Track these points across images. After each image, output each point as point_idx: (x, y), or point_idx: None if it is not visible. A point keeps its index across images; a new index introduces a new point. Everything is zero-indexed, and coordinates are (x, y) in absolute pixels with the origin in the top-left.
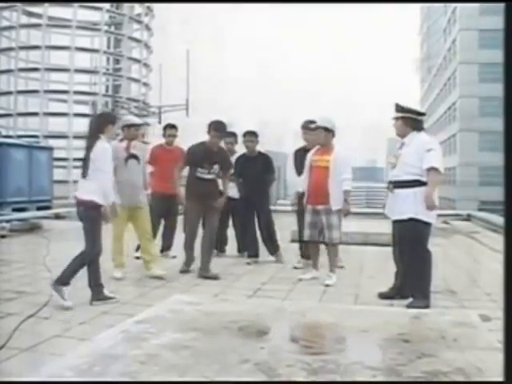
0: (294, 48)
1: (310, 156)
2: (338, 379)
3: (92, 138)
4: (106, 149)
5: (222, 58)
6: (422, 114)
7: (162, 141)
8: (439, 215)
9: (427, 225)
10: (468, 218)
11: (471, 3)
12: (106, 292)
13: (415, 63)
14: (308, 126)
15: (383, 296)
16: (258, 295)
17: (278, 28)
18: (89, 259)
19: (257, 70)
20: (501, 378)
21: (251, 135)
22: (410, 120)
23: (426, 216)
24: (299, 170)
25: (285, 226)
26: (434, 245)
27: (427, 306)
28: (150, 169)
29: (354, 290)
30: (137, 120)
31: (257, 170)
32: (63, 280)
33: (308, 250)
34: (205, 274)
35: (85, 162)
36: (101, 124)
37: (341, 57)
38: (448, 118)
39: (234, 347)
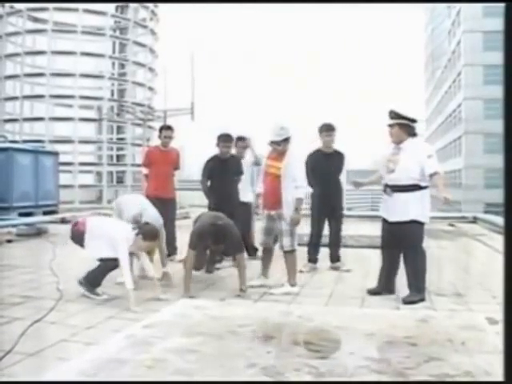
0: (300, 51)
1: (265, 160)
2: None
3: None
4: None
5: (227, 60)
6: (415, 121)
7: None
8: (445, 218)
9: (423, 225)
10: (474, 220)
11: (472, 3)
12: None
13: (421, 61)
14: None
15: (372, 292)
16: (264, 299)
17: (284, 31)
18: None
19: (262, 73)
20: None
21: (227, 140)
22: (406, 126)
23: (425, 218)
24: (310, 178)
25: None
26: (441, 247)
27: (423, 299)
28: (144, 171)
29: (361, 293)
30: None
31: (229, 172)
32: (93, 282)
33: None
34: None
35: None
36: None
37: (343, 59)
38: (453, 120)
39: (241, 351)
